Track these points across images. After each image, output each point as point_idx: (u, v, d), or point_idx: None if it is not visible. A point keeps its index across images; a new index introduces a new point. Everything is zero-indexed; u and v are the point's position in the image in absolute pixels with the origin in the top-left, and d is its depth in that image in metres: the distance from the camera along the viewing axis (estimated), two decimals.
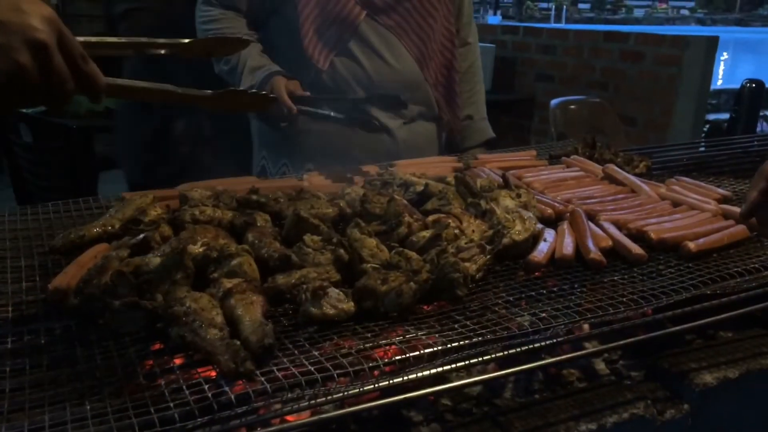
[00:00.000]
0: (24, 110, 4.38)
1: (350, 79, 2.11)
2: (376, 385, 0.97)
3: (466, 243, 1.31)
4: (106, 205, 1.61)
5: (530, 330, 1.09)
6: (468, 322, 1.11)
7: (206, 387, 0.91)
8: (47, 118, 4.32)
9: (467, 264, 1.25)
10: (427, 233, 1.35)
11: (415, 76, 2.17)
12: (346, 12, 2.06)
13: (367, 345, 1.04)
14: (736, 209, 1.65)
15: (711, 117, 6.77)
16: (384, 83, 2.11)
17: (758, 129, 6.48)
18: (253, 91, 1.36)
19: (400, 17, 2.10)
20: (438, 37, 2.20)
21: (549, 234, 1.46)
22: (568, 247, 1.39)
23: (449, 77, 2.28)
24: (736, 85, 6.51)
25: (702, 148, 2.67)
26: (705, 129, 6.09)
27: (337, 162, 2.04)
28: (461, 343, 1.04)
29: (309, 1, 2.07)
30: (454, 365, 1.03)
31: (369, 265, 1.21)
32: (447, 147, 2.43)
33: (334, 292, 1.12)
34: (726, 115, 6.74)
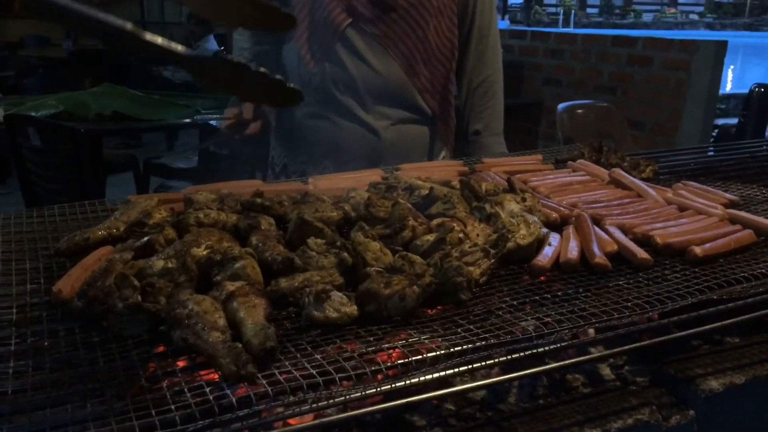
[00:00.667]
0: (33, 114, 4.42)
1: (337, 81, 2.18)
2: (379, 389, 0.97)
3: (470, 247, 1.31)
4: (111, 208, 1.61)
5: (534, 334, 1.09)
6: (471, 327, 1.11)
7: (208, 390, 0.91)
8: (56, 121, 4.34)
9: (471, 268, 1.24)
10: (431, 237, 1.35)
11: (402, 83, 2.20)
12: (332, 18, 2.13)
13: (370, 349, 1.03)
14: (744, 214, 1.64)
15: (720, 122, 6.73)
16: (369, 88, 2.18)
17: (767, 133, 6.43)
18: (277, 77, 1.29)
19: (387, 27, 2.14)
20: (432, 48, 2.21)
21: (554, 238, 1.45)
22: (573, 251, 1.38)
23: (445, 87, 2.30)
24: (746, 90, 6.47)
25: (710, 153, 2.65)
26: (714, 133, 6.06)
27: (327, 158, 2.19)
28: (464, 347, 1.04)
29: (303, 7, 2.16)
30: (457, 369, 1.03)
31: (372, 268, 1.21)
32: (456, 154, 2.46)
33: (337, 295, 1.11)
34: (735, 120, 6.70)
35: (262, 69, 1.20)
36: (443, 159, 2.41)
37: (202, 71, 1.16)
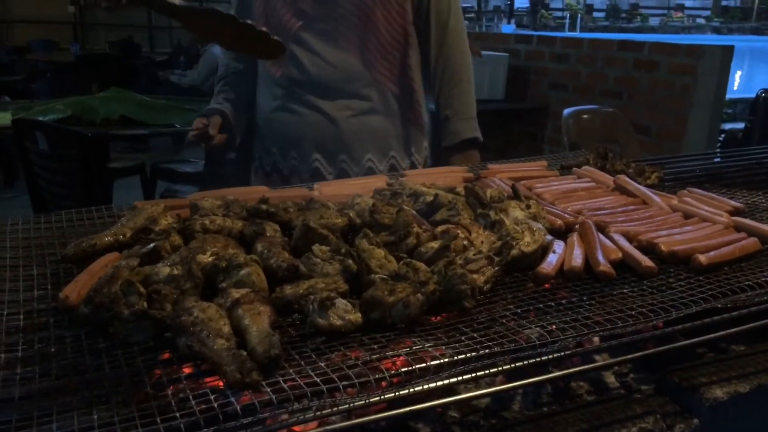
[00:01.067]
0: (41, 118, 4.44)
1: (299, 79, 2.26)
2: (382, 397, 0.97)
3: (474, 254, 1.31)
4: (118, 213, 1.62)
5: (538, 343, 1.09)
6: (475, 334, 1.11)
7: (213, 397, 0.92)
8: (64, 126, 4.36)
9: (475, 275, 1.25)
10: (435, 244, 1.35)
11: (359, 75, 2.25)
12: (284, 23, 2.23)
13: (374, 356, 1.04)
14: (749, 222, 1.64)
15: (727, 126, 6.70)
16: (328, 82, 2.24)
17: None
18: (262, 30, 1.31)
19: (336, 23, 2.21)
20: (384, 37, 2.25)
21: (558, 245, 1.45)
22: (577, 258, 1.38)
23: (405, 75, 2.32)
24: (753, 94, 6.44)
25: (717, 159, 2.65)
26: (720, 138, 6.03)
27: (294, 149, 2.30)
28: (468, 355, 1.04)
29: (261, 16, 2.27)
30: (461, 377, 1.03)
31: (377, 275, 1.22)
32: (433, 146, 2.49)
33: (341, 302, 1.12)
34: (742, 125, 6.67)
35: (248, 21, 1.24)
36: (419, 150, 2.43)
37: (193, 22, 1.19)
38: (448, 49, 2.39)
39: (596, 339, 1.18)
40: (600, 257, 1.38)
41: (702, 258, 1.41)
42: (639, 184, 1.92)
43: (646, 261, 1.39)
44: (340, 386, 0.94)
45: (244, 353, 0.97)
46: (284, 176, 2.33)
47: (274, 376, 0.96)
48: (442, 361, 1.02)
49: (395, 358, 1.04)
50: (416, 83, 2.35)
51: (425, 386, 1.00)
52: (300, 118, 2.28)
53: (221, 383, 0.96)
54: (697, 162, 2.41)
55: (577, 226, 1.56)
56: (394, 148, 2.36)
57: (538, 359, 1.08)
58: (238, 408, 0.89)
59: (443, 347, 1.07)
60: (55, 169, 4.25)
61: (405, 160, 2.39)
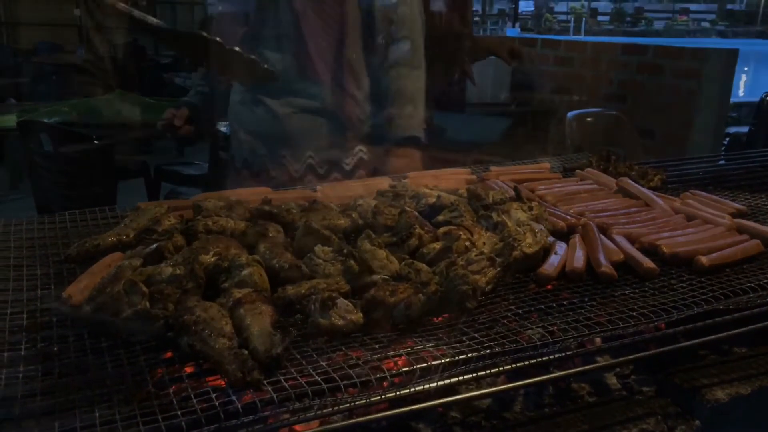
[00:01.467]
0: (46, 120, 4.46)
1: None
2: (383, 396, 0.98)
3: (476, 255, 1.31)
4: (121, 214, 1.63)
5: (539, 343, 1.09)
6: (477, 335, 1.11)
7: (214, 396, 0.92)
8: (69, 128, 4.38)
9: (477, 276, 1.25)
10: (437, 245, 1.36)
11: (298, 75, 2.29)
12: (232, 30, 2.29)
13: (375, 356, 1.04)
14: (751, 224, 1.64)
15: (732, 130, 6.68)
16: (273, 81, 2.29)
17: None
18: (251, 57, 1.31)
19: (274, 27, 2.27)
20: (322, 38, 2.29)
21: (560, 247, 1.45)
22: (578, 260, 1.38)
23: (343, 76, 2.34)
24: (758, 98, 6.42)
25: (722, 162, 2.64)
26: (725, 142, 6.01)
27: (247, 141, 2.38)
28: (469, 355, 1.04)
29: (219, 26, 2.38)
30: (462, 377, 1.03)
31: (379, 276, 1.22)
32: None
33: (343, 303, 1.12)
34: (747, 128, 6.65)
35: (236, 48, 1.22)
36: (358, 152, 2.42)
37: (179, 46, 1.18)
38: (398, 45, 2.38)
39: (598, 340, 1.19)
40: (602, 258, 1.39)
41: (704, 260, 1.41)
42: (642, 186, 1.92)
43: (647, 262, 1.39)
44: (342, 385, 0.94)
45: (246, 352, 0.98)
46: (237, 168, 2.42)
47: (275, 375, 0.96)
48: (443, 361, 1.02)
49: (397, 358, 1.04)
50: (356, 84, 2.36)
51: (426, 386, 1.00)
52: (252, 113, 2.36)
53: (223, 382, 0.96)
54: (701, 165, 2.41)
55: (579, 228, 1.56)
56: (335, 147, 2.37)
57: (540, 359, 1.09)
58: (240, 407, 0.89)
59: (444, 347, 1.07)
60: (60, 170, 4.26)
61: (350, 158, 2.39)
